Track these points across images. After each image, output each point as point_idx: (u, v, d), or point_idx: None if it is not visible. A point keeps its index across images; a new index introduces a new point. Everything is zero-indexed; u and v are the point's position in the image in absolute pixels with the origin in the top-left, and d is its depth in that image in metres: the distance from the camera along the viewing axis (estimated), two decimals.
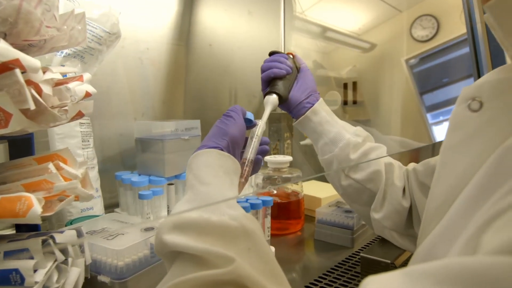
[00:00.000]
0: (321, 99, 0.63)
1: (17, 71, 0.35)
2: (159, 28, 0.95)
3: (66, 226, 0.62)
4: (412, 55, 1.39)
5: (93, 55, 0.70)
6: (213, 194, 0.36)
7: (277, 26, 1.31)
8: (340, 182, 0.60)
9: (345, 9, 1.48)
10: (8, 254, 0.40)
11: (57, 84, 0.42)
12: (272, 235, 0.80)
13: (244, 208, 0.54)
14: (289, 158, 0.83)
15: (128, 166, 0.86)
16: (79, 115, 0.44)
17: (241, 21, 1.18)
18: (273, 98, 0.57)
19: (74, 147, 0.66)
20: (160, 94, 0.96)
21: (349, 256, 0.69)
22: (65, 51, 0.64)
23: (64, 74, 0.44)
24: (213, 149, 0.41)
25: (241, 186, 0.49)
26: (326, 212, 0.76)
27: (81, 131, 0.67)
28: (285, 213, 0.82)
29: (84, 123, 0.68)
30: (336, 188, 0.63)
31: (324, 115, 0.61)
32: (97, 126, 0.83)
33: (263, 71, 0.61)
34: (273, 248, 0.60)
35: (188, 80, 1.04)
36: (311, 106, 0.61)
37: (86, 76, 0.44)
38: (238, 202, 0.55)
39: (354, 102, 1.37)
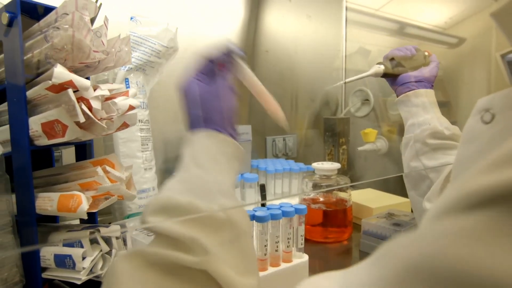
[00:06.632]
0: (431, 91, 0.65)
1: (69, 91, 0.42)
2: (218, 38, 1.00)
3: (124, 219, 0.71)
4: (510, 49, 1.25)
5: (153, 67, 0.78)
6: (207, 179, 0.36)
7: (338, 29, 1.28)
8: (410, 162, 0.62)
9: (430, 2, 1.38)
10: (66, 242, 0.48)
11: (107, 99, 0.49)
12: (315, 243, 0.80)
13: (275, 215, 0.55)
14: (337, 165, 0.81)
15: None
16: (124, 125, 0.50)
17: (299, 25, 1.18)
18: (376, 66, 0.66)
19: (134, 150, 0.74)
20: None
21: None
22: (128, 65, 0.73)
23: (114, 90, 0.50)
24: (216, 132, 0.40)
25: None
26: (372, 223, 0.74)
27: (141, 136, 0.75)
28: (331, 221, 0.81)
29: (144, 129, 0.76)
30: (404, 168, 0.65)
31: (425, 101, 0.63)
32: (160, 130, 0.92)
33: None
34: (306, 256, 0.60)
35: None
36: (415, 89, 0.64)
37: (131, 91, 0.50)
38: (273, 207, 0.57)
39: None
